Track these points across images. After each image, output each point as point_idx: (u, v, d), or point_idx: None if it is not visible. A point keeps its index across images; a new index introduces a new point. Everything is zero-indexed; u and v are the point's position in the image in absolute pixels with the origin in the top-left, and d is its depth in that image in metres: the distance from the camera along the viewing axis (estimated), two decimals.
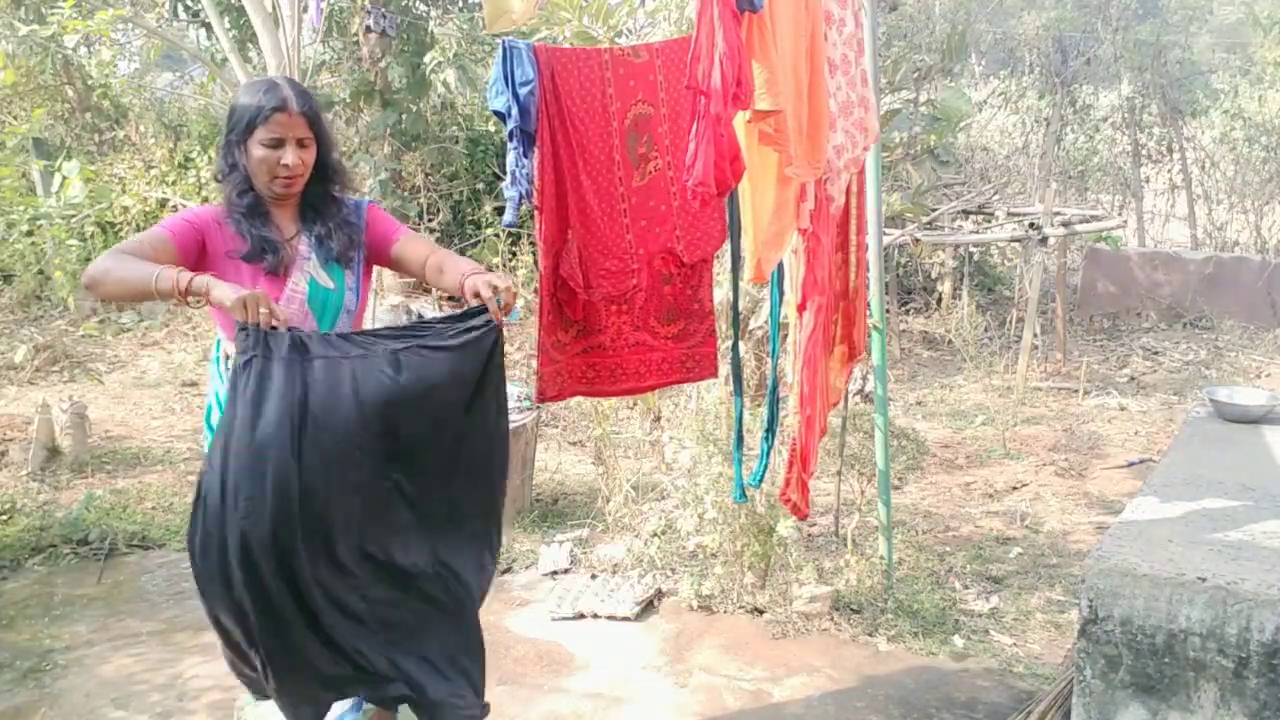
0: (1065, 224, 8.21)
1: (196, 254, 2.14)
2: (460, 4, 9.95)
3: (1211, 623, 1.99)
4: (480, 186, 9.62)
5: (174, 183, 9.22)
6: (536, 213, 2.62)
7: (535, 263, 2.69)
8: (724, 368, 3.32)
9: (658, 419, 4.97)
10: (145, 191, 8.84)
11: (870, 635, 3.62)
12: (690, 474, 4.04)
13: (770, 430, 3.01)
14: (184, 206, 8.01)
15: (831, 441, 4.04)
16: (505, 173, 2.54)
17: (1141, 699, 2.07)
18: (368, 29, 8.55)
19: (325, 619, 2.04)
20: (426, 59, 8.67)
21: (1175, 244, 12.15)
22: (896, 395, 7.26)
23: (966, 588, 4.04)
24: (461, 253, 8.74)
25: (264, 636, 2.01)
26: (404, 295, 8.72)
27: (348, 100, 8.81)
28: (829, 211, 2.99)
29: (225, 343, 2.25)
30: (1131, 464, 5.70)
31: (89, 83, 10.15)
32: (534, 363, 2.67)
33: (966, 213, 9.16)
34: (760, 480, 3.07)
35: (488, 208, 9.02)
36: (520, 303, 6.54)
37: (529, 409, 4.87)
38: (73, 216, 5.71)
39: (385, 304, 7.51)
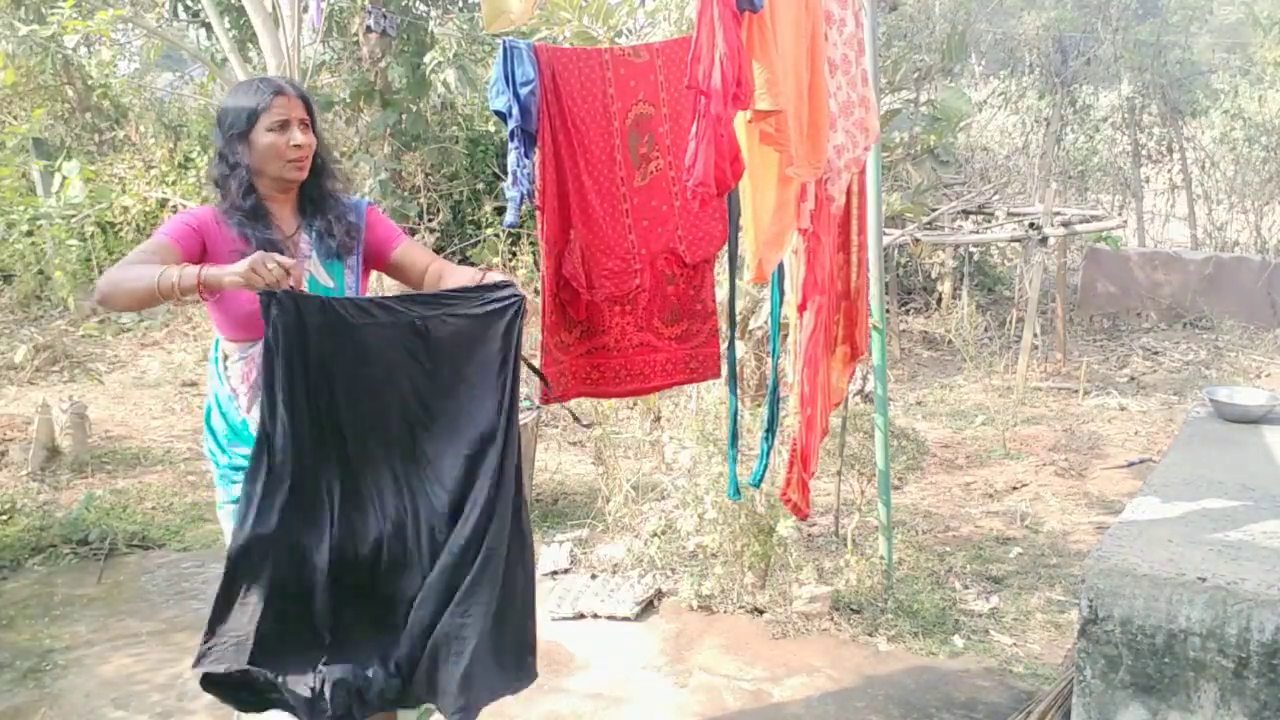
0: (1065, 224, 8.21)
1: (199, 256, 2.14)
2: (460, 4, 9.95)
3: (1211, 623, 1.99)
4: (480, 187, 9.62)
5: (174, 183, 9.22)
6: (538, 213, 2.62)
7: (536, 263, 2.69)
8: (724, 367, 3.32)
9: (658, 419, 4.97)
10: (145, 191, 8.84)
11: (870, 635, 3.62)
12: (690, 474, 4.04)
13: (770, 430, 3.01)
14: (184, 207, 8.01)
15: (831, 441, 4.04)
16: (506, 173, 2.53)
17: (1141, 699, 2.07)
18: (368, 29, 8.55)
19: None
20: (426, 59, 8.67)
21: (1175, 244, 12.15)
22: (896, 395, 7.26)
23: (966, 588, 4.04)
24: (462, 253, 8.76)
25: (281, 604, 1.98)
26: None
27: (348, 100, 8.81)
28: (829, 211, 2.99)
29: (224, 343, 2.24)
30: (1131, 464, 5.70)
31: (89, 83, 10.15)
32: (536, 363, 2.67)
33: (966, 213, 9.15)
34: (760, 480, 3.07)
35: (488, 208, 9.02)
36: None
37: (530, 409, 4.87)
38: (73, 216, 5.71)
39: None
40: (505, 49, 2.47)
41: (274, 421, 1.96)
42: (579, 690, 3.30)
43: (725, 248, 2.83)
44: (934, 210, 8.53)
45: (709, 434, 3.89)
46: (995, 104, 13.08)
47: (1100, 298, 9.80)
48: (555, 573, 4.19)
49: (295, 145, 2.16)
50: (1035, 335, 7.81)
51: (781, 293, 2.99)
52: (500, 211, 8.40)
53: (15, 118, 8.93)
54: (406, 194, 8.71)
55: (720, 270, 3.68)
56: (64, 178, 5.37)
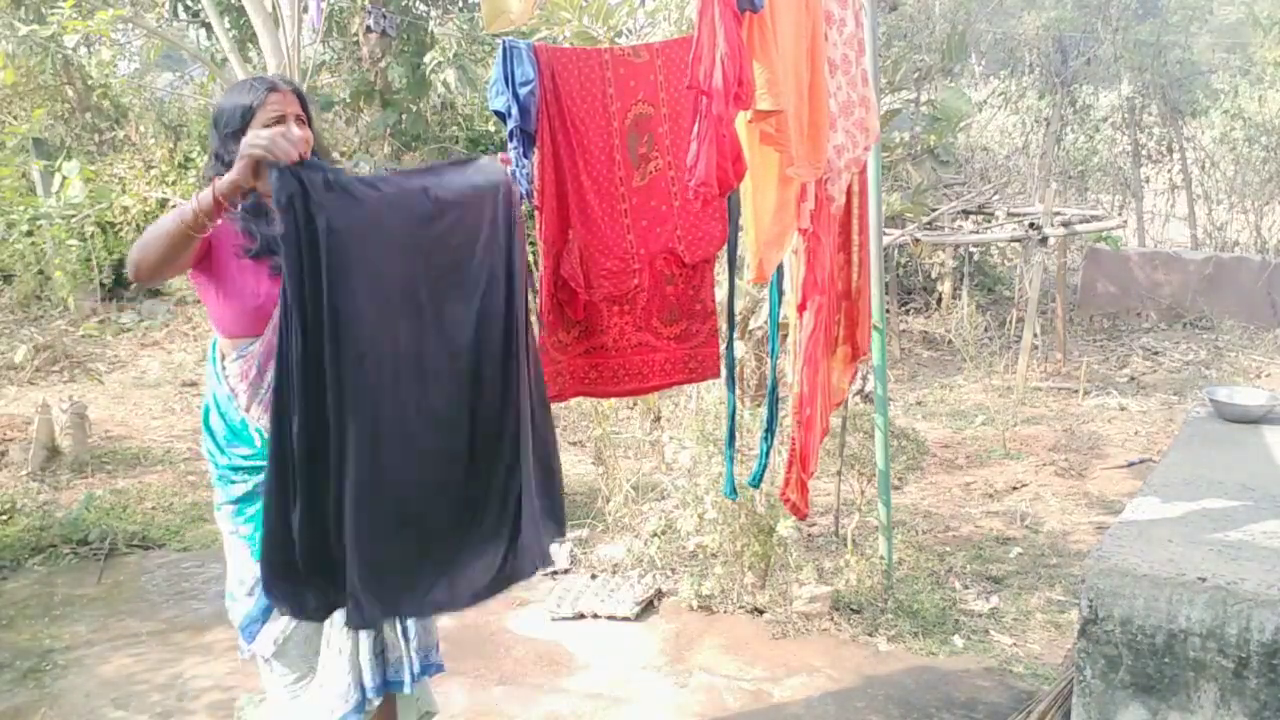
0: (1065, 224, 8.21)
1: (204, 250, 2.13)
2: (460, 4, 9.95)
3: (1211, 623, 1.99)
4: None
5: (174, 183, 9.22)
6: (537, 213, 2.62)
7: (535, 263, 2.68)
8: (723, 367, 3.32)
9: (658, 419, 4.96)
10: (145, 191, 8.84)
11: (870, 635, 3.62)
12: (690, 474, 4.04)
13: (770, 430, 3.01)
14: None
15: (831, 441, 4.04)
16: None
17: (1141, 699, 2.07)
18: (368, 29, 8.56)
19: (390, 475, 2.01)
20: (426, 59, 8.67)
21: (1175, 244, 12.15)
22: (896, 395, 7.26)
23: (966, 588, 4.04)
24: None
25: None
26: None
27: (348, 100, 8.81)
28: (829, 211, 2.99)
29: (222, 341, 2.23)
30: (1131, 464, 5.70)
31: (89, 83, 10.15)
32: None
33: (966, 213, 9.15)
34: (759, 480, 3.07)
35: None
36: None
37: None
38: (73, 216, 5.71)
39: None
40: (505, 49, 2.47)
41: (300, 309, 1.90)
42: (579, 690, 3.30)
43: (725, 248, 2.83)
44: (934, 210, 8.53)
45: (709, 434, 3.89)
46: (995, 104, 13.08)
47: (1100, 298, 9.80)
48: (555, 573, 4.19)
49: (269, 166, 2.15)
50: (1035, 335, 7.81)
51: (781, 293, 2.99)
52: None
53: (15, 118, 8.92)
54: None
55: (720, 270, 3.68)
56: (64, 178, 5.37)
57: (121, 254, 9.24)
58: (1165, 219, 13.11)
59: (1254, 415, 3.21)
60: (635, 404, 5.14)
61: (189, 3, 9.39)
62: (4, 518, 4.60)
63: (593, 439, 5.05)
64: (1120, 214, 11.74)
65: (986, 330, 9.02)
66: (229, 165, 2.16)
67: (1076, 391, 7.35)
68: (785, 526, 3.71)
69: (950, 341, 8.45)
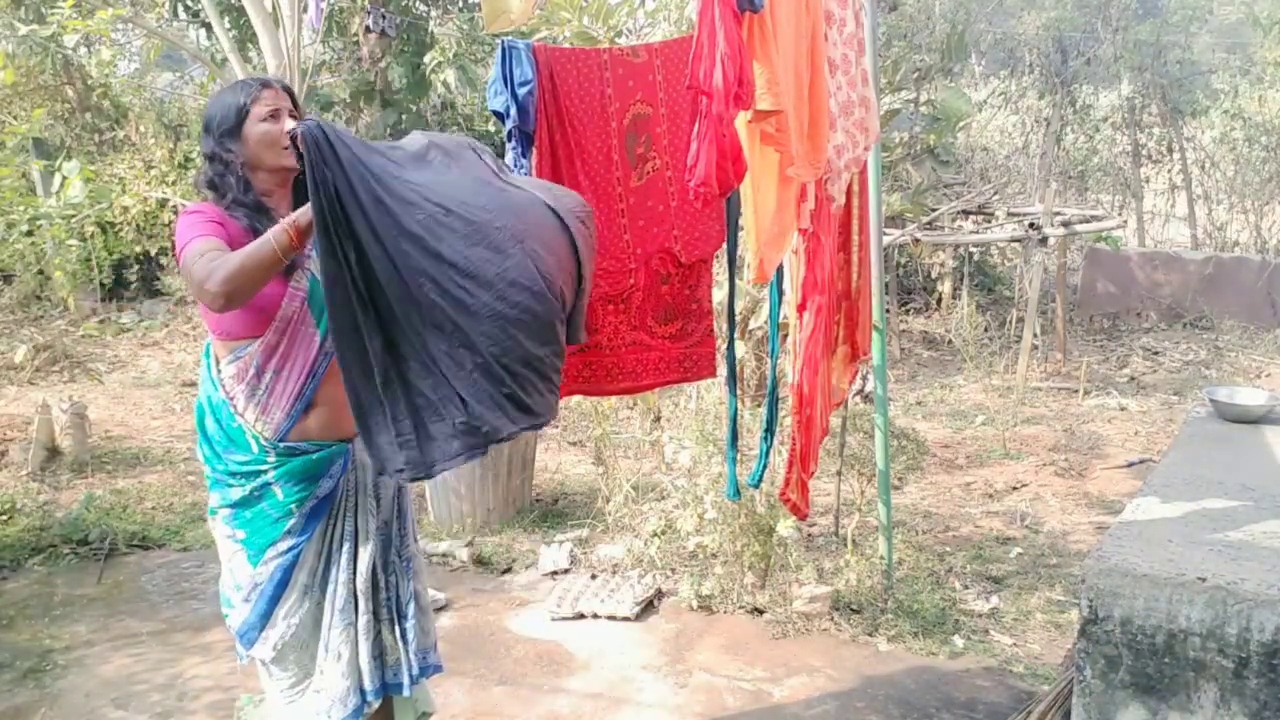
0: (1065, 224, 8.21)
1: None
2: (460, 4, 9.95)
3: (1211, 623, 1.99)
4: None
5: (174, 183, 9.21)
6: None
7: None
8: (722, 367, 3.32)
9: (658, 419, 4.97)
10: (145, 191, 8.83)
11: (870, 635, 3.62)
12: (690, 474, 4.04)
13: (770, 430, 3.01)
14: (184, 206, 8.01)
15: (831, 441, 4.04)
16: None
17: (1141, 699, 2.07)
18: (367, 29, 8.56)
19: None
20: (426, 59, 8.67)
21: (1175, 244, 12.15)
22: (896, 395, 7.26)
23: (966, 588, 4.04)
24: None
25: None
26: None
27: (348, 100, 8.81)
28: (829, 211, 2.99)
29: (216, 345, 2.21)
30: (1131, 464, 5.70)
31: (89, 83, 10.15)
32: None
33: (966, 213, 9.15)
34: (759, 480, 3.07)
35: None
36: None
37: None
38: (73, 216, 5.71)
39: None
40: (504, 49, 2.47)
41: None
42: (579, 690, 3.30)
43: (724, 248, 2.83)
44: (934, 210, 8.53)
45: (709, 434, 3.89)
46: (995, 104, 13.08)
47: (1100, 298, 9.80)
48: (555, 573, 4.19)
49: (289, 132, 2.15)
50: (1035, 335, 7.81)
51: (781, 293, 2.99)
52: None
53: (15, 118, 8.92)
54: None
55: (720, 270, 3.68)
56: (64, 178, 5.37)
57: (122, 254, 9.25)
58: (1165, 219, 13.11)
59: (1254, 415, 3.21)
60: (635, 404, 5.15)
61: (189, 3, 9.39)
62: (4, 518, 4.60)
63: (593, 439, 5.05)
64: (1120, 214, 11.74)
65: (986, 330, 9.02)
66: (226, 165, 2.16)
67: (1076, 391, 7.35)
68: (785, 526, 3.71)
69: (950, 341, 8.45)
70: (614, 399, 4.74)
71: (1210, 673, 2.00)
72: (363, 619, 2.26)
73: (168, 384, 7.40)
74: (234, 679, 3.30)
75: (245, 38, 8.06)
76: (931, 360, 8.56)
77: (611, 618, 3.78)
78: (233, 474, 2.18)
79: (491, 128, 10.08)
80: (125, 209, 8.73)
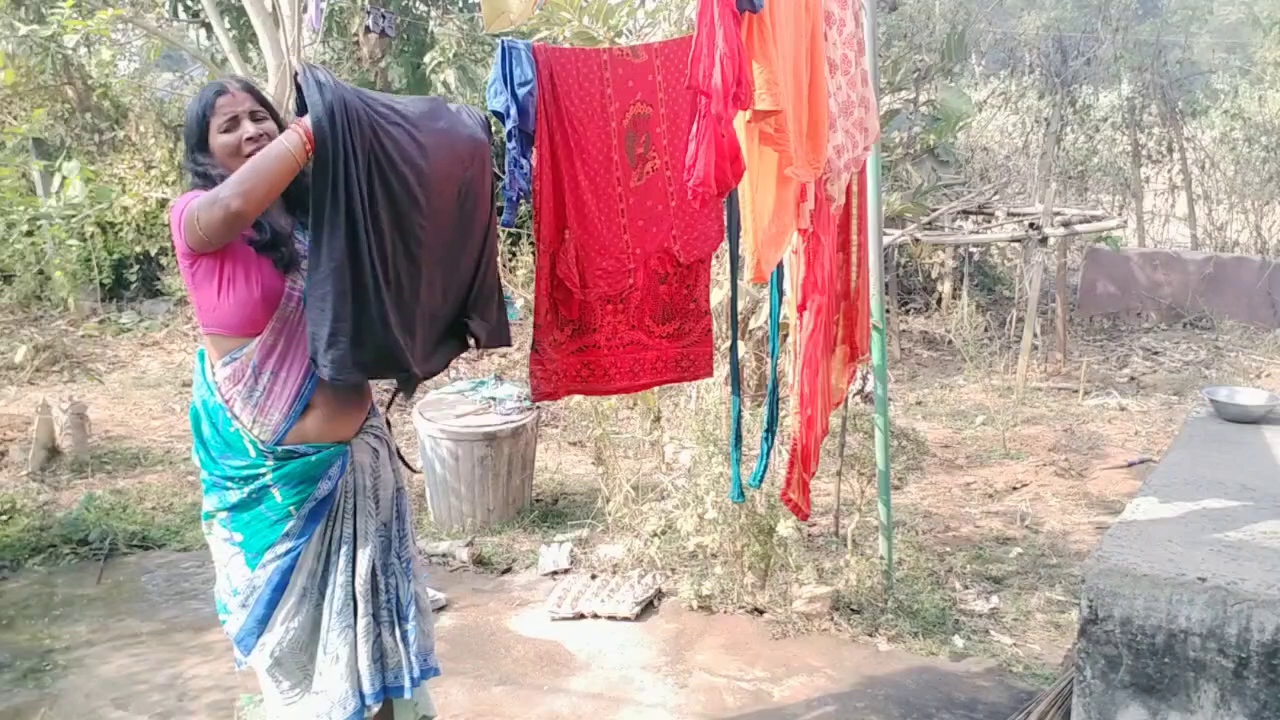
0: (1065, 224, 8.20)
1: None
2: (460, 4, 9.94)
3: (1211, 623, 1.99)
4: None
5: (174, 183, 9.21)
6: (534, 212, 2.62)
7: (536, 262, 2.68)
8: (722, 368, 3.32)
9: (658, 419, 4.96)
10: (145, 191, 8.83)
11: (870, 635, 3.62)
12: (690, 474, 4.04)
13: (770, 430, 3.01)
14: None
15: (831, 441, 4.04)
16: (504, 173, 2.54)
17: (1141, 699, 2.07)
18: (367, 29, 8.54)
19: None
20: (426, 59, 8.67)
21: (1175, 244, 12.14)
22: (896, 395, 7.26)
23: (966, 588, 4.04)
24: None
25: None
26: None
27: None
28: (829, 211, 2.99)
29: (210, 349, 2.17)
30: (1131, 464, 5.70)
31: (89, 83, 10.13)
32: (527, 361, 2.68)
33: (966, 213, 9.14)
34: (760, 480, 3.07)
35: None
36: (520, 302, 6.55)
37: (529, 409, 4.87)
38: (73, 216, 5.71)
39: None
40: (503, 49, 2.47)
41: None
42: (579, 690, 3.30)
43: (725, 248, 2.83)
44: (934, 210, 8.52)
45: (709, 434, 3.89)
46: (995, 104, 13.06)
47: (1100, 298, 9.80)
48: (555, 573, 4.19)
49: (248, 138, 2.13)
50: (1035, 335, 7.80)
51: (781, 293, 2.99)
52: (499, 212, 8.39)
53: (15, 118, 8.91)
54: None
55: (720, 271, 3.68)
56: (64, 178, 5.38)
57: (122, 254, 9.24)
58: (1165, 219, 13.09)
59: (1254, 415, 3.21)
60: (635, 404, 5.14)
61: (189, 3, 9.39)
62: (4, 518, 4.60)
63: (593, 439, 5.05)
64: (1120, 214, 11.73)
65: (986, 330, 9.02)
66: (204, 176, 2.15)
67: (1076, 391, 7.35)
68: (785, 527, 3.71)
69: (950, 341, 8.44)
70: (614, 399, 4.74)
71: (1210, 673, 2.00)
72: (362, 621, 2.25)
73: (168, 384, 7.39)
74: (234, 679, 3.30)
75: (245, 38, 8.06)
76: (931, 360, 8.56)
77: (611, 618, 3.78)
78: (230, 478, 2.17)
79: (491, 127, 10.06)
80: (125, 209, 8.74)
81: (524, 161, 2.52)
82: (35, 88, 9.32)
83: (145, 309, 9.50)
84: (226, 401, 2.15)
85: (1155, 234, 12.94)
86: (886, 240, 6.45)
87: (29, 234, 6.50)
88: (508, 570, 4.28)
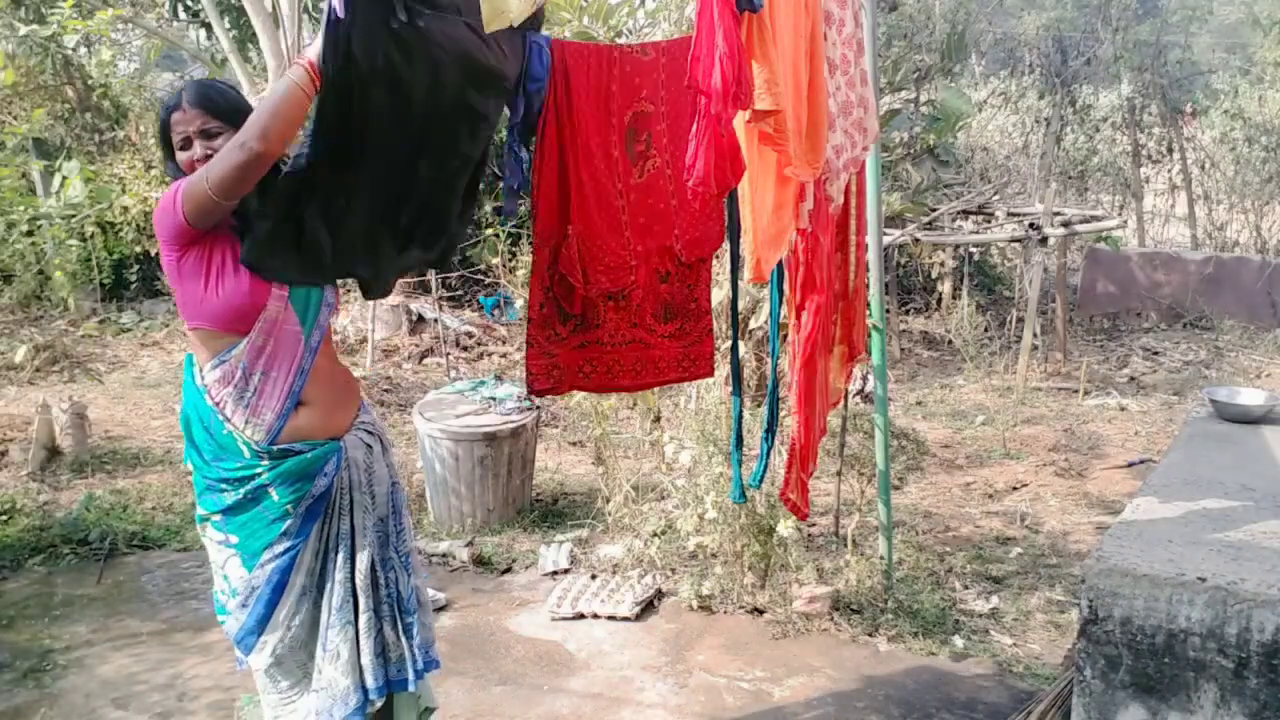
0: (1065, 224, 8.21)
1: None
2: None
3: (1211, 623, 1.99)
4: (480, 186, 9.60)
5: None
6: (532, 206, 2.62)
7: (533, 257, 2.68)
8: (723, 368, 3.31)
9: (658, 419, 4.96)
10: (145, 191, 8.83)
11: (870, 635, 3.62)
12: (690, 474, 4.04)
13: (770, 430, 3.01)
14: None
15: (831, 441, 4.04)
16: (504, 170, 2.54)
17: (1141, 699, 2.07)
18: None
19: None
20: None
21: (1175, 244, 12.14)
22: (896, 395, 7.26)
23: (966, 588, 4.04)
24: (461, 253, 8.76)
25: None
26: (404, 295, 8.73)
27: None
28: (828, 211, 2.99)
29: (199, 352, 2.15)
30: (1131, 464, 5.70)
31: (89, 83, 10.14)
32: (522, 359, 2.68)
33: (966, 213, 9.15)
34: (760, 480, 3.07)
35: (487, 208, 9.01)
36: (519, 301, 6.55)
37: (529, 409, 4.87)
38: (73, 216, 5.71)
39: (385, 304, 7.50)
40: (527, 42, 2.49)
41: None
42: (579, 690, 3.31)
43: (725, 248, 2.83)
44: (934, 210, 8.52)
45: (709, 434, 3.89)
46: (995, 104, 13.07)
47: (1100, 298, 9.80)
48: (555, 573, 4.19)
49: (197, 159, 2.12)
50: (1035, 335, 7.80)
51: (781, 293, 2.99)
52: (499, 211, 8.39)
53: (15, 118, 8.92)
54: None
55: (719, 270, 3.68)
56: (64, 178, 5.37)
57: (122, 254, 9.25)
58: (1165, 219, 13.10)
59: (1254, 415, 3.21)
60: (635, 404, 5.14)
61: (189, 3, 9.39)
62: (4, 518, 4.60)
63: (593, 439, 5.05)
64: (1120, 214, 11.73)
65: (986, 330, 9.01)
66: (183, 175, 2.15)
67: (1076, 391, 7.35)
68: (785, 527, 3.71)
69: (950, 341, 8.44)
70: (614, 399, 4.74)
71: (1210, 673, 2.00)
72: (364, 617, 2.26)
73: (168, 384, 7.39)
74: (234, 679, 3.30)
75: (245, 38, 8.06)
76: (931, 360, 8.56)
77: (611, 618, 3.78)
78: (225, 480, 2.16)
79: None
80: (125, 209, 8.74)
81: (523, 154, 2.52)
82: (35, 88, 9.33)
83: (145, 309, 9.51)
84: (218, 404, 2.14)
85: (1155, 234, 12.94)
86: (886, 240, 6.46)
87: (29, 234, 6.51)
88: (508, 570, 4.28)
